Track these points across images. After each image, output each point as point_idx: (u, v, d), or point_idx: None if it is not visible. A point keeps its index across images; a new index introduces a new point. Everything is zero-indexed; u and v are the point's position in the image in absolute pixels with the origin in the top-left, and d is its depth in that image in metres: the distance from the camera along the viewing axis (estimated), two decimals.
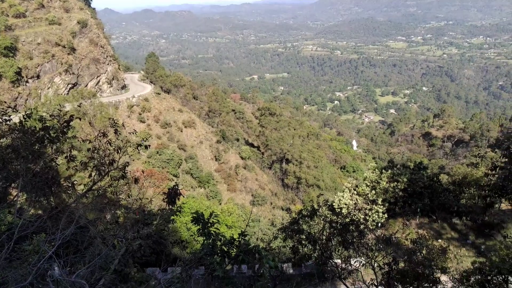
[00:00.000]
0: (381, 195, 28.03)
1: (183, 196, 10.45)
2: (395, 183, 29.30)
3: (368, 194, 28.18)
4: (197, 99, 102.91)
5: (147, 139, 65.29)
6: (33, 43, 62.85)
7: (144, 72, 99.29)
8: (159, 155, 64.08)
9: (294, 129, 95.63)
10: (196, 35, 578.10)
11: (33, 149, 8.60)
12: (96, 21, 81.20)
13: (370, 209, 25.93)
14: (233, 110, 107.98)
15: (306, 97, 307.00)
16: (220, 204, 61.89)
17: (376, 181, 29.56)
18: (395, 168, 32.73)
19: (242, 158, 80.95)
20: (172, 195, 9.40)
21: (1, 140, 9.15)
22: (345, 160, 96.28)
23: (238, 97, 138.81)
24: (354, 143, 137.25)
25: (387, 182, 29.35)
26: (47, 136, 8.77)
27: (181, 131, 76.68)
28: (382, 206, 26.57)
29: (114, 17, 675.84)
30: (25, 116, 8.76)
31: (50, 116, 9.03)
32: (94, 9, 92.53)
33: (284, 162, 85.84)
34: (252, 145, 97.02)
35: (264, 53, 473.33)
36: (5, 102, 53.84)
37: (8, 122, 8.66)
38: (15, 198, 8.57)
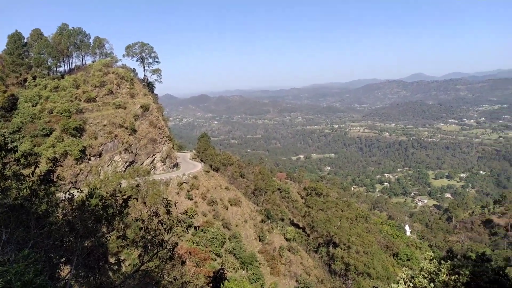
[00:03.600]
0: None
1: (227, 281, 10.15)
2: (456, 275, 26.22)
3: (426, 287, 25.47)
4: (244, 177, 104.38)
5: (193, 216, 65.87)
6: (99, 124, 69.29)
7: (195, 151, 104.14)
8: (204, 233, 63.79)
9: (342, 211, 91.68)
10: (246, 117, 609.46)
11: (89, 227, 9.05)
12: (157, 105, 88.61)
13: None
14: (279, 189, 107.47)
15: (354, 178, 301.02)
16: None
17: (434, 273, 26.79)
18: (455, 259, 29.67)
19: (286, 239, 78.16)
20: (218, 279, 9.20)
21: (61, 218, 9.69)
22: (398, 247, 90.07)
23: (284, 176, 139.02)
24: (407, 228, 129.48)
25: (447, 275, 26.45)
26: (106, 215, 9.24)
27: (227, 209, 76.77)
28: None
29: (173, 102, 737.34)
30: (87, 195, 9.41)
31: (110, 196, 9.61)
32: (156, 94, 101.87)
33: (331, 246, 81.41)
34: (297, 225, 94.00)
35: (311, 134, 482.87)
36: (67, 178, 58.11)
37: (71, 202, 9.33)
38: (67, 276, 8.82)
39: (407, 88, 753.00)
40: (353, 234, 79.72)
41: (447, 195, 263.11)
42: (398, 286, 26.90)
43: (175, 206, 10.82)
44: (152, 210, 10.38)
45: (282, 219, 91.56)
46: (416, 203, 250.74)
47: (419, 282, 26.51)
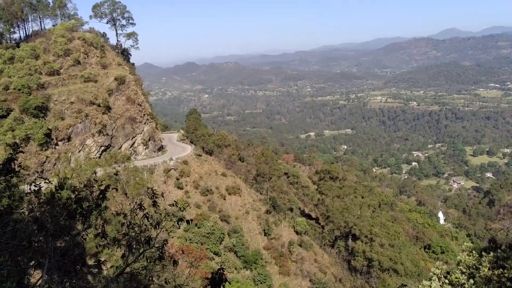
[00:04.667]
0: (482, 286, 25.55)
1: (228, 282, 10.33)
2: (501, 269, 26.60)
3: (464, 284, 25.87)
4: (243, 161, 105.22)
5: (185, 208, 66.56)
6: (66, 102, 69.01)
7: (183, 131, 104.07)
8: (198, 228, 64.65)
9: (362, 197, 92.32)
10: (243, 88, 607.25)
11: (62, 224, 9.06)
12: (135, 77, 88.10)
13: None
14: (286, 174, 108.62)
15: (376, 157, 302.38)
16: None
17: (474, 267, 27.15)
18: (499, 250, 29.99)
19: (297, 232, 79.32)
20: (217, 281, 9.30)
21: (27, 214, 9.65)
22: (430, 238, 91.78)
23: (291, 158, 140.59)
24: (441, 215, 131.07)
25: (489, 269, 26.81)
26: (80, 209, 9.24)
27: (224, 199, 77.87)
28: None
29: (154, 72, 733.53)
30: (57, 187, 9.38)
31: (84, 186, 9.58)
32: (133, 64, 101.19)
33: (350, 239, 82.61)
34: (309, 216, 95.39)
35: (322, 106, 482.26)
36: (31, 167, 58.22)
37: (38, 194, 9.29)
38: (39, 282, 8.93)
39: (438, 47, 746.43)
40: (376, 224, 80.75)
41: (488, 174, 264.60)
42: (431, 283, 27.23)
43: (163, 196, 10.87)
44: (135, 203, 10.43)
45: (291, 209, 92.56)
46: (451, 185, 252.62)
47: (456, 278, 26.81)
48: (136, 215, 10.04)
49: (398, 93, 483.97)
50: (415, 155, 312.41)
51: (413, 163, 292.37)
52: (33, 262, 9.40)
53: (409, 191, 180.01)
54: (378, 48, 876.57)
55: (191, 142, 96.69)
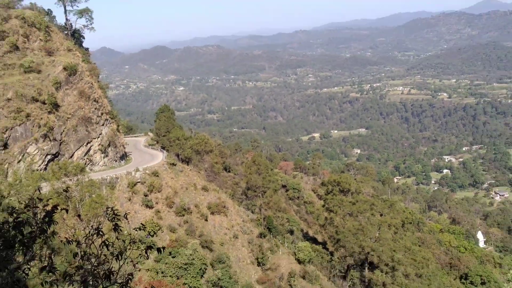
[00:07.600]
0: None
1: None
2: None
3: None
4: (229, 171, 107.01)
5: (155, 233, 65.86)
6: (0, 99, 68.01)
7: (153, 134, 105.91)
8: (173, 257, 64.43)
9: (381, 215, 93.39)
10: (229, 78, 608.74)
11: None
12: (90, 65, 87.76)
13: None
14: (284, 186, 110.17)
15: (397, 164, 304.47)
16: None
17: None
18: None
19: (299, 261, 79.65)
20: None
21: None
22: (467, 265, 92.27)
23: (291, 166, 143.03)
24: (480, 236, 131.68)
25: None
26: (20, 236, 9.05)
27: (206, 220, 78.73)
28: None
29: (114, 59, 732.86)
30: None
31: (25, 207, 9.37)
32: (87, 49, 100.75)
33: (366, 268, 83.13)
34: (314, 240, 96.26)
35: (329, 100, 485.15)
36: None
37: None
38: None
39: (474, 24, 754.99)
40: (400, 249, 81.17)
41: None
42: None
43: (127, 218, 10.88)
44: (92, 227, 10.29)
45: (291, 232, 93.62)
46: (492, 198, 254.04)
47: None
48: (93, 242, 10.00)
49: (424, 82, 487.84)
50: (446, 160, 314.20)
51: (445, 171, 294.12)
52: None
53: (440, 206, 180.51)
54: (398, 25, 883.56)
55: (163, 148, 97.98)
